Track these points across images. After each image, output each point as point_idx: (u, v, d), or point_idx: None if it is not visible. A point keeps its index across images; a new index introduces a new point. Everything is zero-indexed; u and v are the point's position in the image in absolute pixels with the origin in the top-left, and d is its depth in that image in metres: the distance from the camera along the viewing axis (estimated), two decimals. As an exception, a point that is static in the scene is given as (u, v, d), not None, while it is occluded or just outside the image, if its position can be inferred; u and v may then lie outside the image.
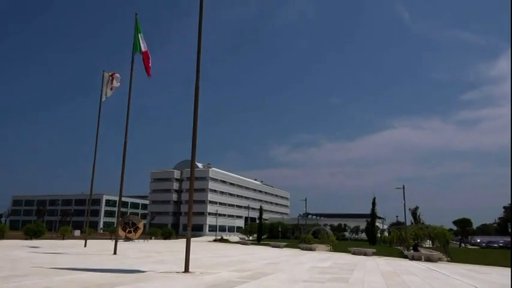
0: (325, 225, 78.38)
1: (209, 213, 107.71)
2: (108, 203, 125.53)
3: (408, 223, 50.85)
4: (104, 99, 22.44)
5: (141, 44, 17.78)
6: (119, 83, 22.14)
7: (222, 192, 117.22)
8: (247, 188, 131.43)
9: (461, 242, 71.40)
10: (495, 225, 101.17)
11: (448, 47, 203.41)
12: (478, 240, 71.81)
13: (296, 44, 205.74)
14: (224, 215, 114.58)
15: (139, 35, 17.85)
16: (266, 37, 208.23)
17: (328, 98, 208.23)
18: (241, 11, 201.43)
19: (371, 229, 60.62)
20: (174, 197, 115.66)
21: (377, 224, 69.86)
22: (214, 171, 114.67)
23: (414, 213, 70.48)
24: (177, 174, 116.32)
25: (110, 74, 22.46)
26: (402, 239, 39.82)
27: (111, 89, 22.11)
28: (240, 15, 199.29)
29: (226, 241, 59.46)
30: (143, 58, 17.62)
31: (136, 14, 18.22)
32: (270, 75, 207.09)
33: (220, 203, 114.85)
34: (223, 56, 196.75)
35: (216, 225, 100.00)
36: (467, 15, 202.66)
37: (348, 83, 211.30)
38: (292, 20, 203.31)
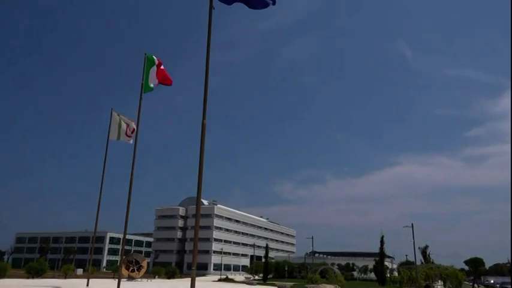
0: (332, 264, 76.44)
1: (214, 252, 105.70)
2: (112, 240, 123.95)
3: (418, 262, 49.45)
4: (114, 139, 22.62)
5: (153, 74, 18.06)
6: (132, 135, 22.29)
7: (227, 230, 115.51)
8: (252, 226, 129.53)
9: (474, 283, 69.01)
10: (508, 265, 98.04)
11: (450, 84, 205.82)
12: (492, 281, 69.32)
13: (299, 82, 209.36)
14: (229, 254, 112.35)
15: (151, 68, 18.12)
16: (269, 75, 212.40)
17: (333, 135, 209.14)
18: (244, 52, 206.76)
19: (380, 268, 58.98)
20: (179, 234, 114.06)
21: (386, 263, 68.03)
22: (220, 209, 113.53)
23: (424, 252, 68.72)
24: (182, 211, 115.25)
25: (126, 120, 22.62)
26: (413, 280, 38.61)
27: (128, 135, 22.28)
28: (243, 56, 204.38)
29: (232, 281, 58.03)
30: (158, 71, 17.94)
31: (145, 54, 18.69)
32: (274, 112, 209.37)
33: (226, 241, 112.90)
34: (227, 95, 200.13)
35: (221, 264, 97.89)
36: (470, 52, 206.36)
37: (352, 120, 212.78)
38: (296, 58, 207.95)
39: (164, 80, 18.11)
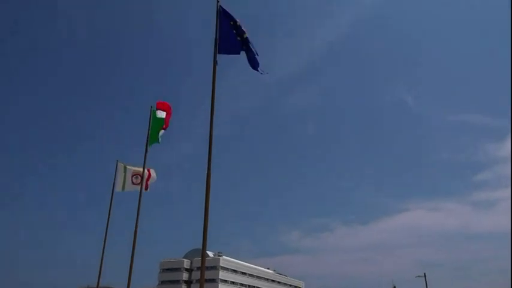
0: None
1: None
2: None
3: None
4: (119, 190, 22.54)
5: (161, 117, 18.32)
6: (138, 182, 22.29)
7: (233, 283, 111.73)
8: (259, 278, 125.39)
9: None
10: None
11: (453, 129, 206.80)
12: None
13: (304, 129, 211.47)
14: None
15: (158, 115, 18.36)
16: (274, 123, 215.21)
17: (339, 182, 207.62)
18: (250, 100, 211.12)
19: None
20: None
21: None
22: (226, 260, 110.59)
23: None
24: (186, 263, 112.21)
25: (130, 168, 22.68)
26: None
27: (134, 183, 22.24)
28: (249, 105, 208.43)
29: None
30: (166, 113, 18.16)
31: (151, 107, 19.00)
32: (280, 161, 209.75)
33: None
34: (231, 143, 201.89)
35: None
36: (472, 97, 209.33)
37: (358, 167, 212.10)
38: (300, 106, 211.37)
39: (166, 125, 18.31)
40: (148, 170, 21.61)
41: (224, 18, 10.59)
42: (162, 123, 18.31)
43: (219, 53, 10.53)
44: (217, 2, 10.61)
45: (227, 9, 10.59)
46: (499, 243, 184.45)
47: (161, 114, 18.34)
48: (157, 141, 18.32)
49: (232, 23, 10.60)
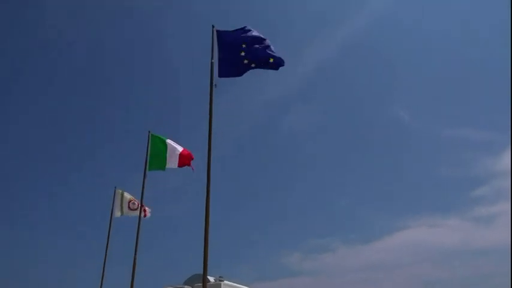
0: None
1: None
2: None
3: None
4: (118, 215, 22.36)
5: (170, 151, 17.95)
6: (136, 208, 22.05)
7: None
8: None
9: None
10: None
11: (449, 143, 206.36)
12: None
13: (302, 148, 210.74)
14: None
15: (166, 142, 18.05)
16: (272, 143, 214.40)
17: (338, 201, 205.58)
18: (245, 122, 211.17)
19: None
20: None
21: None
22: (227, 285, 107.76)
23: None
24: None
25: (128, 196, 22.51)
26: None
27: (131, 208, 22.01)
28: (244, 126, 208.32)
29: None
30: (180, 158, 17.79)
31: (149, 131, 18.86)
32: (279, 181, 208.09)
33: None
34: (229, 165, 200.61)
35: None
36: (467, 112, 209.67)
37: (357, 185, 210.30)
38: (297, 125, 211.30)
39: (186, 160, 17.89)
40: (145, 210, 21.51)
41: (224, 41, 10.67)
42: (165, 149, 18.15)
43: (220, 76, 10.59)
44: (213, 27, 10.76)
45: (230, 31, 10.71)
46: (500, 258, 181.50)
47: (175, 146, 18.09)
48: (163, 168, 18.11)
49: (239, 44, 10.63)
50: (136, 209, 22.00)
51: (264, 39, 10.61)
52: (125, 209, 22.64)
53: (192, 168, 17.70)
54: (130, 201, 22.70)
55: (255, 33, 10.66)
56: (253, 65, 10.58)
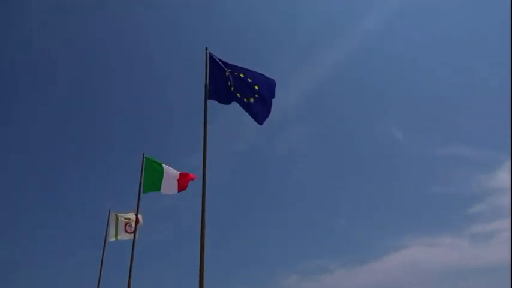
0: None
1: None
2: None
3: None
4: (112, 239, 21.94)
5: (166, 174, 17.71)
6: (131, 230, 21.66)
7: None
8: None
9: None
10: None
11: (444, 161, 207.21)
12: None
13: (296, 169, 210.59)
14: None
15: (164, 168, 17.83)
16: (265, 165, 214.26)
17: (334, 221, 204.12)
18: (239, 144, 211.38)
19: None
20: None
21: None
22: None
23: None
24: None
25: (122, 216, 22.14)
26: None
27: (127, 231, 21.60)
28: (238, 148, 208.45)
29: None
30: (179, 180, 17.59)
31: (143, 154, 18.69)
32: (274, 203, 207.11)
33: None
34: (223, 187, 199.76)
35: None
36: (460, 130, 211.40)
37: (352, 205, 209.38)
38: (290, 146, 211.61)
39: (186, 183, 17.73)
40: (137, 217, 21.24)
41: (215, 66, 10.68)
42: (161, 171, 17.96)
43: (209, 98, 10.51)
44: (206, 49, 10.77)
45: (222, 59, 10.72)
46: (499, 276, 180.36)
47: (172, 171, 17.96)
48: (158, 189, 17.92)
49: (227, 72, 10.61)
50: (132, 232, 21.51)
51: (254, 84, 10.43)
52: (121, 232, 22.22)
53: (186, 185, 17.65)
54: (126, 224, 22.29)
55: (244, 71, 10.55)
56: (238, 95, 10.51)
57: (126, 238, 22.19)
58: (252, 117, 10.60)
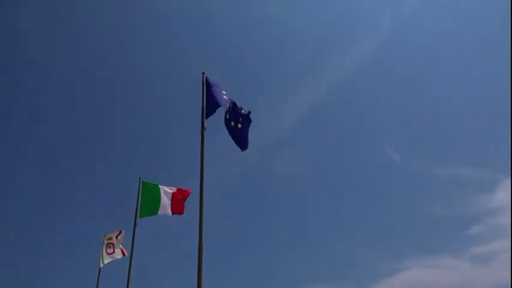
0: None
1: None
2: None
3: None
4: (101, 265, 21.32)
5: (164, 196, 17.50)
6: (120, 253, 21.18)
7: None
8: None
9: None
10: None
11: (441, 183, 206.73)
12: None
13: (293, 192, 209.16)
14: None
15: (160, 189, 17.63)
16: (264, 188, 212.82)
17: (334, 245, 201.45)
18: (235, 167, 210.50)
19: None
20: None
21: None
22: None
23: None
24: None
25: (109, 237, 21.64)
26: None
27: (108, 252, 21.07)
28: (234, 171, 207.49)
29: None
30: (173, 198, 17.37)
31: (140, 178, 18.48)
32: (273, 229, 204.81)
33: None
34: (219, 211, 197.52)
35: None
36: (458, 150, 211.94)
37: (352, 228, 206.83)
38: (287, 172, 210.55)
39: (178, 209, 17.54)
40: (122, 251, 20.73)
41: (210, 89, 10.89)
42: (158, 193, 17.75)
43: (206, 118, 10.69)
44: (203, 73, 10.98)
45: (216, 82, 11.04)
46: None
47: (167, 191, 17.78)
48: (155, 212, 17.67)
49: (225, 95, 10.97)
50: (113, 253, 20.89)
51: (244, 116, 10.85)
52: (104, 255, 21.41)
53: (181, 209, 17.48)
54: (107, 244, 21.53)
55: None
56: (228, 117, 10.88)
57: (108, 260, 21.29)
58: (236, 142, 10.91)
